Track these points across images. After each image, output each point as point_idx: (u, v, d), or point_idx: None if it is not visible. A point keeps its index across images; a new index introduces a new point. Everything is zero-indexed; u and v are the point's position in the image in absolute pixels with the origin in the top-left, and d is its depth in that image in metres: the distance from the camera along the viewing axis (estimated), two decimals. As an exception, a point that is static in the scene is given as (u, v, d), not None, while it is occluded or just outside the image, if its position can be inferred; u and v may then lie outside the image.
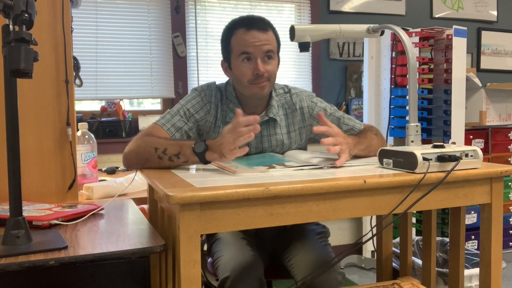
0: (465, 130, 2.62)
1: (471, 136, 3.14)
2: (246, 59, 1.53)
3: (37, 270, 1.02)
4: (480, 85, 3.13)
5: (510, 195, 3.27)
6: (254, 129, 1.30)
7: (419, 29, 2.54)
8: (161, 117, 1.56)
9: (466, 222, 2.16)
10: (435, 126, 2.59)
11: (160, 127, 1.52)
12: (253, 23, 1.53)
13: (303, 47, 1.55)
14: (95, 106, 3.15)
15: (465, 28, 2.50)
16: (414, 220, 2.54)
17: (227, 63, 1.61)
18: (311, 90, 3.48)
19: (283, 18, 3.46)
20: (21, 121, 1.14)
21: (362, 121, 3.08)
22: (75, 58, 1.72)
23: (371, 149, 1.56)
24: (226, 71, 1.62)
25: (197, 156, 1.34)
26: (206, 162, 1.35)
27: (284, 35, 1.69)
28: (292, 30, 1.53)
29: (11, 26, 1.01)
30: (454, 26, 2.47)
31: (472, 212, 3.07)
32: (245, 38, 1.52)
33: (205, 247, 1.73)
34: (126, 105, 3.13)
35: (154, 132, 1.49)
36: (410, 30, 2.58)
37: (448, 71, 2.50)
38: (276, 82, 1.72)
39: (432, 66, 2.58)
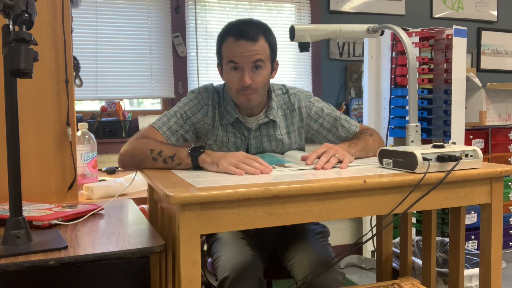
0: (465, 130, 2.62)
1: (471, 136, 3.14)
2: (233, 68, 1.53)
3: (37, 270, 1.02)
4: (480, 85, 3.13)
5: (510, 195, 3.27)
6: (259, 172, 1.27)
7: (419, 29, 2.54)
8: (158, 119, 1.56)
9: (466, 222, 2.15)
10: (435, 126, 2.59)
11: (155, 130, 1.52)
12: (243, 32, 1.49)
13: (303, 47, 1.55)
14: (95, 106, 3.15)
15: (465, 28, 2.50)
16: (414, 220, 2.54)
17: (220, 67, 1.61)
18: (311, 90, 3.48)
19: (283, 18, 3.46)
20: (21, 121, 1.15)
21: (362, 121, 3.09)
22: (75, 58, 1.72)
23: (368, 149, 1.56)
24: (221, 74, 1.62)
25: (190, 157, 1.34)
26: (197, 164, 1.34)
27: (284, 35, 1.68)
28: (292, 30, 1.53)
29: (11, 26, 1.01)
30: (454, 26, 2.47)
31: (472, 212, 3.07)
32: (233, 47, 1.50)
33: (205, 247, 1.73)
34: (126, 105, 3.13)
35: (149, 134, 1.50)
36: (410, 30, 2.58)
37: (448, 71, 2.50)
38: (274, 82, 1.72)
39: (432, 66, 2.58)
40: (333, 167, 1.35)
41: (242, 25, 1.54)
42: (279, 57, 1.66)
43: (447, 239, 2.35)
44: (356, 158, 1.50)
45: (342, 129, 1.68)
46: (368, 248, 3.26)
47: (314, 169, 1.33)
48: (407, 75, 1.52)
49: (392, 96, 2.55)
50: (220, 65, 1.61)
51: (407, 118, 2.44)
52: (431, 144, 1.33)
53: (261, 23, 1.56)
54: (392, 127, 2.60)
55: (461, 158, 1.25)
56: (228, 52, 1.52)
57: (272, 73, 1.61)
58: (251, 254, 1.49)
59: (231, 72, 1.53)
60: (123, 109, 3.05)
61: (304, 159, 1.39)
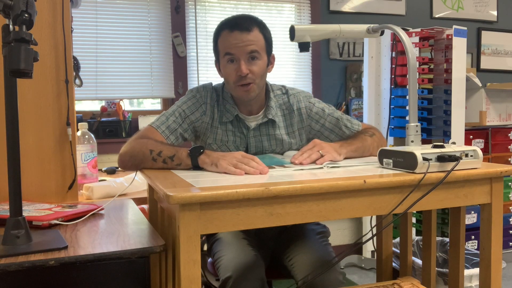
0: (465, 130, 2.62)
1: (471, 136, 3.14)
2: (230, 61, 1.54)
3: (37, 270, 1.02)
4: (480, 85, 3.13)
5: (510, 195, 3.27)
6: (258, 172, 1.27)
7: (419, 29, 2.54)
8: (156, 119, 1.57)
9: (466, 222, 2.16)
10: (435, 126, 2.59)
11: (154, 130, 1.53)
12: (237, 24, 1.52)
13: (303, 47, 1.55)
14: (95, 106, 3.16)
15: (465, 28, 2.50)
16: (414, 220, 2.54)
17: (218, 64, 1.61)
18: (311, 90, 3.49)
19: (283, 18, 3.46)
20: (21, 121, 1.15)
21: (362, 121, 3.09)
22: (75, 58, 1.72)
23: (364, 149, 1.57)
24: (219, 72, 1.63)
25: (190, 157, 1.35)
26: (196, 164, 1.34)
27: (284, 35, 1.68)
28: (292, 30, 1.53)
29: (11, 26, 1.01)
30: (454, 26, 2.47)
31: (472, 212, 3.07)
32: (228, 39, 1.52)
33: (205, 247, 1.73)
34: (126, 105, 3.13)
35: (148, 134, 1.50)
36: (410, 30, 2.58)
37: (448, 71, 2.49)
38: (273, 83, 1.72)
39: (432, 66, 2.58)
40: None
41: (235, 18, 1.56)
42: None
43: (447, 239, 2.35)
44: (349, 158, 1.51)
45: (346, 129, 1.68)
46: (368, 248, 3.26)
47: (291, 162, 1.40)
48: (407, 75, 1.52)
49: (392, 96, 2.55)
50: (217, 62, 1.61)
51: (407, 118, 2.44)
52: (431, 144, 1.33)
53: (255, 17, 1.58)
54: (392, 127, 2.60)
55: (461, 158, 1.25)
56: (224, 44, 1.54)
57: (269, 66, 1.62)
58: (253, 254, 1.49)
59: (228, 65, 1.54)
60: (123, 109, 3.05)
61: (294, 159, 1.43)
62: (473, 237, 3.07)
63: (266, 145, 1.65)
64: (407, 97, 1.73)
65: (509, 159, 3.30)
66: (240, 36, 1.51)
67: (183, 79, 3.20)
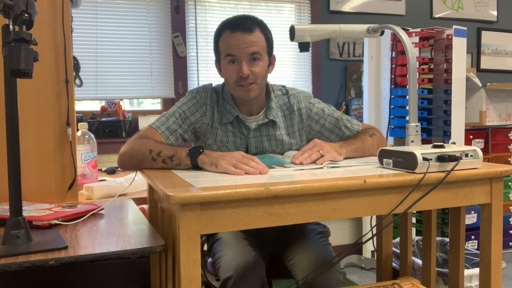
0: (465, 130, 2.62)
1: (471, 136, 3.14)
2: (231, 62, 1.54)
3: (37, 270, 1.02)
4: (480, 85, 3.13)
5: (510, 195, 3.27)
6: (258, 172, 1.27)
7: (419, 29, 2.54)
8: (156, 120, 1.57)
9: (466, 222, 2.16)
10: (435, 126, 2.59)
11: (154, 130, 1.53)
12: (238, 25, 1.52)
13: (303, 47, 1.55)
14: (95, 106, 3.16)
15: (465, 28, 2.50)
16: (414, 220, 2.54)
17: (218, 64, 1.61)
18: (311, 90, 3.49)
19: (283, 18, 3.46)
20: (21, 121, 1.14)
21: (362, 121, 3.09)
22: (75, 58, 1.72)
23: (364, 149, 1.57)
24: (219, 72, 1.63)
25: (189, 157, 1.35)
26: (196, 164, 1.35)
27: (284, 35, 1.68)
28: (292, 30, 1.53)
29: (11, 26, 1.01)
30: (454, 26, 2.47)
31: (472, 212, 3.07)
32: (230, 40, 1.52)
33: (205, 247, 1.73)
34: (126, 105, 3.13)
35: (148, 134, 1.50)
36: (410, 30, 2.58)
37: (448, 71, 2.49)
38: (274, 83, 1.72)
39: (432, 66, 2.58)
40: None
41: (237, 19, 1.56)
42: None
43: (447, 239, 2.35)
44: (349, 158, 1.51)
45: (346, 129, 1.68)
46: (368, 248, 3.26)
47: (291, 162, 1.40)
48: (407, 75, 1.52)
49: (392, 96, 2.55)
50: (218, 62, 1.62)
51: (407, 118, 2.44)
52: (431, 144, 1.33)
53: (256, 18, 1.58)
54: (392, 127, 2.60)
55: (461, 158, 1.25)
56: (225, 45, 1.54)
57: (270, 67, 1.62)
58: (254, 254, 1.49)
59: (229, 65, 1.54)
60: (123, 109, 3.05)
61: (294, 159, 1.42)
62: (473, 237, 3.07)
63: (266, 145, 1.65)
64: (407, 97, 1.73)
65: (509, 159, 3.30)
66: (242, 37, 1.50)
67: (183, 79, 3.20)
